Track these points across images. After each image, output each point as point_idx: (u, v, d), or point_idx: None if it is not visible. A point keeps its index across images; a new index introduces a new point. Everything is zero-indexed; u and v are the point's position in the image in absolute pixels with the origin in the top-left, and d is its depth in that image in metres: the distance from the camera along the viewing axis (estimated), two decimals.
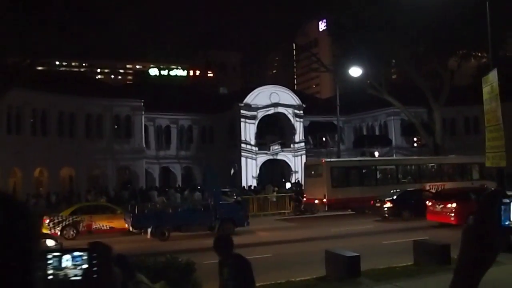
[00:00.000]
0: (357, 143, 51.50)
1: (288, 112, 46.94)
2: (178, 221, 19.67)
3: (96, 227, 21.38)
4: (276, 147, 46.08)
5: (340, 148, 38.20)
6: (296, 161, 46.93)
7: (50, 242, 14.15)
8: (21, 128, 36.05)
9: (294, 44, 67.25)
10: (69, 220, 21.13)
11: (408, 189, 25.36)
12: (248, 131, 45.45)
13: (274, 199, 31.73)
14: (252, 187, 37.81)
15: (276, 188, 34.58)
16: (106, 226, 21.40)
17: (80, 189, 35.35)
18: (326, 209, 26.72)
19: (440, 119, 37.40)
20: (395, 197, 23.97)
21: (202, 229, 19.95)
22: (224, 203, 21.13)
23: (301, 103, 47.51)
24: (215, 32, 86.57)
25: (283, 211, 30.62)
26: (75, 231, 21.08)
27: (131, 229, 19.83)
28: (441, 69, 37.41)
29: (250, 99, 45.96)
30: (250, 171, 44.95)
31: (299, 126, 47.37)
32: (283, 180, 44.15)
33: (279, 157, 46.73)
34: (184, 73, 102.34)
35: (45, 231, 20.09)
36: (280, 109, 46.77)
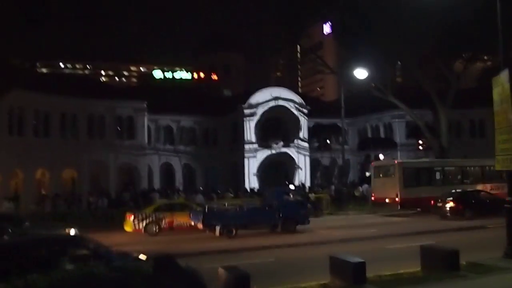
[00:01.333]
0: (362, 145, 51.23)
1: (290, 106, 46.61)
2: (244, 220, 20.35)
3: (177, 224, 22.03)
4: (278, 144, 45.86)
5: (344, 150, 37.83)
6: (300, 159, 46.64)
7: (72, 231, 14.96)
8: (23, 129, 35.89)
9: (298, 47, 67.09)
10: (152, 218, 21.97)
11: (468, 190, 26.51)
12: (250, 128, 45.28)
13: None
14: (255, 190, 37.51)
15: None
16: (186, 223, 21.87)
17: (82, 191, 35.13)
18: (399, 208, 27.60)
19: (446, 121, 36.98)
20: (456, 196, 24.84)
21: (266, 227, 20.85)
22: (287, 202, 21.81)
23: (303, 102, 47.33)
24: (219, 34, 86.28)
25: None
26: (157, 228, 21.85)
27: (200, 227, 20.50)
28: (447, 72, 37.02)
29: (252, 99, 45.80)
30: (252, 169, 44.70)
31: (303, 122, 47.10)
32: (287, 182, 43.88)
33: (283, 150, 46.36)
34: (188, 75, 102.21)
35: (129, 228, 21.53)
36: (281, 102, 46.54)
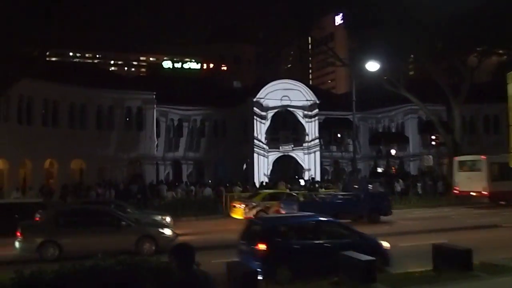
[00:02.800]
0: (373, 141, 50.94)
1: (298, 114, 46.36)
2: (335, 209, 21.09)
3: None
4: (287, 147, 45.71)
5: (356, 145, 37.59)
6: (309, 159, 46.42)
7: (167, 231, 15.72)
8: (32, 119, 36.05)
9: (309, 38, 66.56)
10: (261, 206, 23.76)
11: None
12: (260, 129, 45.10)
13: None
14: (264, 184, 37.46)
15: (289, 185, 34.22)
16: None
17: (90, 182, 35.29)
18: (488, 201, 29.35)
19: (460, 117, 36.65)
20: None
21: (353, 217, 21.92)
22: (373, 193, 23.37)
23: (315, 98, 46.93)
24: (230, 25, 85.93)
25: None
26: None
27: None
28: (461, 65, 36.61)
29: (262, 94, 45.52)
30: (262, 169, 44.57)
31: (312, 126, 46.80)
32: (296, 176, 43.75)
33: (293, 152, 46.28)
34: (198, 66, 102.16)
35: (238, 215, 23.62)
36: (294, 108, 46.32)
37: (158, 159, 45.51)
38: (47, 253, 14.46)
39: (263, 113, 45.17)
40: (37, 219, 17.45)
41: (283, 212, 22.16)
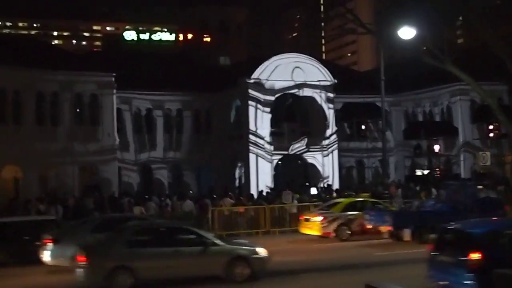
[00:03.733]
0: (410, 133, 50.87)
1: (319, 95, 46.30)
2: (439, 220, 21.46)
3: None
4: (299, 146, 45.66)
5: (385, 139, 37.59)
6: (327, 162, 46.27)
7: (261, 252, 16.76)
8: None
9: None
10: (343, 219, 25.17)
11: None
12: (260, 119, 44.91)
13: (295, 210, 31.44)
14: (264, 193, 37.48)
15: (298, 195, 34.31)
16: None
17: (29, 195, 35.04)
18: None
19: None
20: None
21: None
22: (482, 200, 24.99)
23: (331, 78, 46.96)
24: None
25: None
26: (349, 231, 25.40)
27: (384, 229, 23.81)
28: None
29: (262, 73, 45.38)
30: (262, 176, 44.40)
31: (331, 114, 46.81)
32: (307, 184, 43.74)
33: (304, 152, 46.28)
34: (172, 37, 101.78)
35: (314, 231, 25.21)
36: (307, 92, 46.19)
37: (121, 163, 45.49)
38: (118, 282, 15.28)
39: (262, 99, 45.06)
40: (50, 240, 18.90)
41: (369, 225, 24.25)
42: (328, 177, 45.71)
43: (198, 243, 16.10)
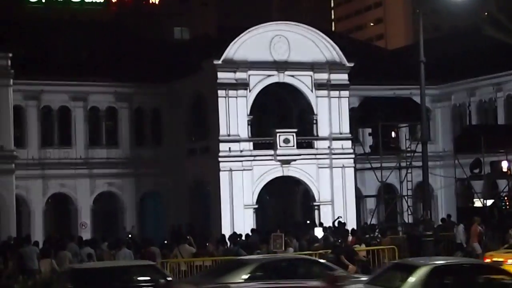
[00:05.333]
0: (464, 142, 50.69)
1: (305, 81, 46.50)
2: None
3: None
4: (288, 145, 45.78)
5: (426, 152, 37.45)
6: (329, 177, 46.36)
7: None
8: None
9: None
10: None
11: None
12: (235, 121, 44.97)
13: None
14: (243, 237, 37.28)
15: (294, 240, 34.29)
16: None
17: None
18: None
19: None
20: None
21: None
22: None
23: (343, 59, 47.03)
24: None
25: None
26: None
27: None
28: None
29: (235, 51, 45.47)
30: (238, 197, 44.54)
31: (336, 113, 46.89)
32: (308, 221, 43.66)
33: (291, 172, 46.37)
34: None
35: None
36: (289, 78, 46.45)
37: (23, 185, 45.57)
38: None
39: (242, 76, 45.15)
40: None
41: None
42: (328, 202, 45.71)
43: None
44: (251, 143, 45.73)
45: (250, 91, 45.54)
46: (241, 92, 45.40)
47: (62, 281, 22.23)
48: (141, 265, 24.74)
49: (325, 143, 47.03)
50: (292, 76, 46.31)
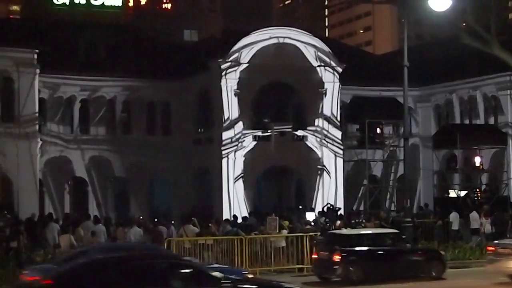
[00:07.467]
0: (441, 139, 50.78)
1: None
2: None
3: None
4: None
5: (407, 146, 37.54)
6: (326, 157, 46.45)
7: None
8: None
9: None
10: None
11: None
12: (235, 108, 45.39)
13: (283, 243, 31.27)
14: (240, 219, 37.34)
15: (287, 222, 34.09)
16: None
17: None
18: None
19: None
20: None
21: None
22: None
23: (335, 61, 47.17)
24: None
25: (298, 266, 30.21)
26: None
27: None
28: None
29: (239, 52, 45.59)
30: (238, 183, 45.07)
31: (328, 110, 46.93)
32: (300, 207, 43.67)
33: (287, 161, 46.28)
34: (118, 2, 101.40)
35: None
36: (287, 76, 46.66)
37: (44, 174, 45.27)
38: None
39: (241, 88, 45.22)
40: None
41: None
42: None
43: None
44: (251, 136, 45.88)
45: (251, 88, 45.61)
46: (243, 89, 45.47)
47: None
48: (388, 232, 29.32)
49: (318, 135, 47.11)
50: (292, 75, 46.38)
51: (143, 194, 48.92)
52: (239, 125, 45.35)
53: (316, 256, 27.80)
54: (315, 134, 46.81)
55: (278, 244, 31.28)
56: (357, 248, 26.95)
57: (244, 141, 45.30)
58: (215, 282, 15.44)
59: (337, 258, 26.12)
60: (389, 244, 28.09)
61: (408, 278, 26.41)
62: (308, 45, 47.08)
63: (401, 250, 28.07)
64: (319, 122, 46.88)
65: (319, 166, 46.79)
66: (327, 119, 47.20)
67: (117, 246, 24.30)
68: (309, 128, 47.01)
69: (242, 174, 45.19)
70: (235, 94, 45.32)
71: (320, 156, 46.86)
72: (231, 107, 45.17)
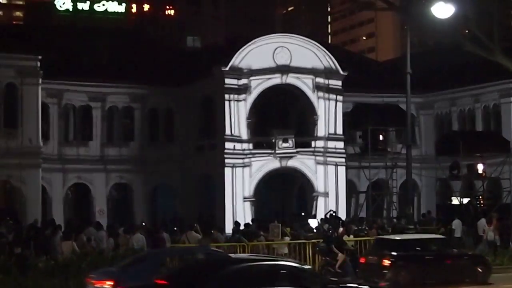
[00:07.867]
0: (444, 146, 50.77)
1: (307, 83, 46.57)
2: None
3: None
4: (286, 145, 45.78)
5: (410, 154, 37.51)
6: (324, 172, 46.40)
7: None
8: None
9: None
10: None
11: None
12: (235, 114, 45.06)
13: (286, 250, 31.32)
14: (242, 226, 37.29)
15: (288, 229, 34.17)
16: None
17: None
18: None
19: None
20: None
21: None
22: None
23: (338, 67, 47.06)
24: None
25: None
26: None
27: None
28: None
29: (242, 59, 45.55)
30: (240, 190, 44.84)
31: (330, 117, 46.88)
32: (303, 213, 43.68)
33: (292, 163, 46.46)
34: (122, 8, 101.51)
35: None
36: (291, 79, 46.55)
37: (46, 181, 45.29)
38: None
39: (244, 82, 45.24)
40: None
41: None
42: (326, 193, 45.78)
43: None
44: (253, 143, 45.89)
45: (253, 95, 45.61)
46: (245, 96, 45.47)
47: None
48: (435, 237, 30.42)
49: (321, 143, 47.02)
50: (296, 78, 46.41)
51: (146, 201, 48.88)
52: (242, 133, 45.36)
53: (363, 261, 28.27)
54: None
55: (280, 250, 31.33)
56: (406, 253, 27.35)
57: (246, 149, 45.27)
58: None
59: (387, 262, 26.60)
60: (436, 249, 28.20)
61: (454, 283, 26.87)
62: (310, 51, 47.07)
63: (448, 254, 28.22)
64: (321, 132, 46.90)
65: (321, 173, 46.80)
66: (329, 129, 47.31)
67: (177, 250, 26.26)
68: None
69: (244, 182, 45.24)
70: (238, 101, 45.37)
71: (323, 162, 46.83)
72: (234, 114, 45.17)
